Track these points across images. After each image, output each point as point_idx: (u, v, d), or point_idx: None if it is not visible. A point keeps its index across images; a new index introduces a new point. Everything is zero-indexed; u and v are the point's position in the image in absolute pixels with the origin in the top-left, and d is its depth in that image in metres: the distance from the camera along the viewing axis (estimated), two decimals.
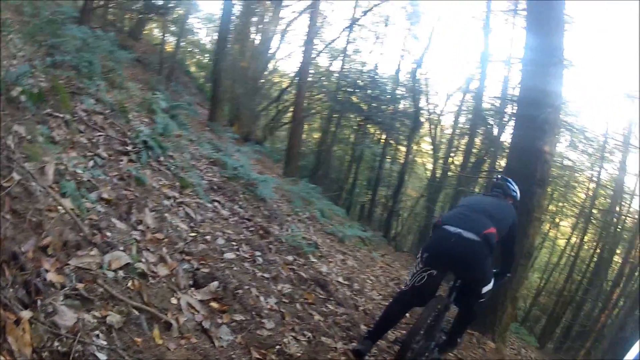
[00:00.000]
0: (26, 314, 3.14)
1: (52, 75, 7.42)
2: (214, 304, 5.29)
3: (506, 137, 23.19)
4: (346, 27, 29.07)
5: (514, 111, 19.83)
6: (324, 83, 31.84)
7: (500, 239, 5.73)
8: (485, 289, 5.77)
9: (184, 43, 32.14)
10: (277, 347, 5.14)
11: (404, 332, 6.95)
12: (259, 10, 26.69)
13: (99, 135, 7.39)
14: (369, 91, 28.67)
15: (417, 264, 5.67)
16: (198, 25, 35.56)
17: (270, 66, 31.05)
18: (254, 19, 26.89)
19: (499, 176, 7.01)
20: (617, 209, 23.69)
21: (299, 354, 5.22)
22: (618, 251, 23.45)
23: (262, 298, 6.01)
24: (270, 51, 29.21)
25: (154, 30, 37.25)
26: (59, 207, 4.54)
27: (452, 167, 28.99)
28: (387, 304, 8.49)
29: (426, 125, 31.22)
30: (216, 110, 19.99)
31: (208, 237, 6.91)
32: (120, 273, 4.51)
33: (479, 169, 25.73)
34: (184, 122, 13.24)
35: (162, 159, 8.54)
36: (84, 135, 7.03)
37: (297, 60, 31.64)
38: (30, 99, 5.93)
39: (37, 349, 3.10)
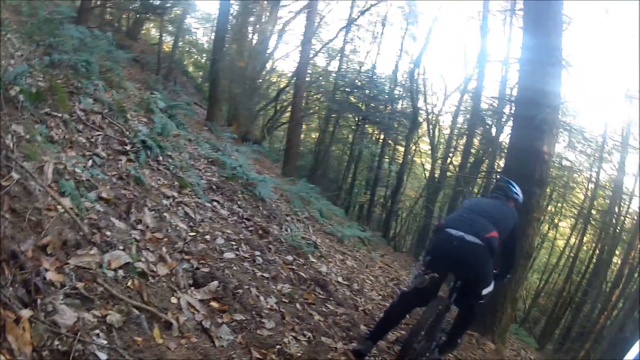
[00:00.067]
0: (26, 313, 3.12)
1: (50, 74, 7.42)
2: (214, 304, 5.28)
3: (504, 138, 23.18)
4: (343, 27, 29.05)
5: (512, 111, 19.82)
6: (322, 83, 31.79)
7: (501, 242, 5.73)
8: (485, 291, 5.82)
9: (181, 43, 32.15)
10: (278, 347, 5.13)
11: (404, 332, 6.97)
12: (257, 10, 26.64)
13: (98, 135, 7.38)
14: (366, 91, 28.63)
15: (419, 266, 5.72)
16: (195, 25, 35.51)
17: (268, 66, 31.01)
18: (252, 18, 26.84)
19: (502, 178, 7.01)
20: (616, 209, 23.67)
21: (299, 354, 5.21)
22: (617, 252, 23.42)
23: (262, 298, 6.01)
24: (268, 51, 29.18)
25: (151, 30, 37.28)
26: (58, 207, 4.53)
27: (451, 167, 28.94)
28: (386, 304, 8.61)
29: (424, 125, 31.22)
30: (214, 110, 19.98)
31: (207, 237, 6.90)
32: (120, 272, 4.51)
33: (478, 169, 25.70)
34: (182, 122, 13.22)
35: (160, 158, 8.53)
36: (82, 134, 7.02)
37: (294, 60, 31.55)
38: (28, 99, 5.92)
39: (37, 347, 3.09)
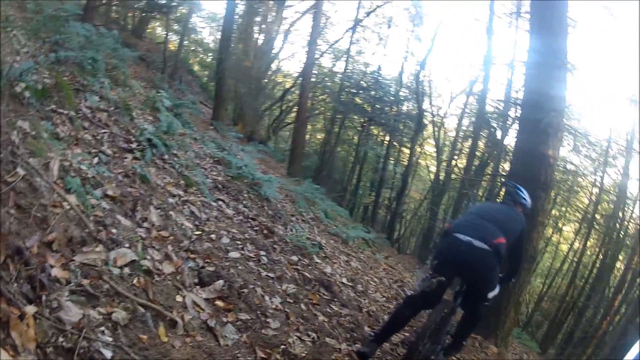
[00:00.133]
0: (30, 309, 3.10)
1: (56, 71, 7.41)
2: (219, 303, 5.27)
3: (510, 141, 23.15)
4: (349, 28, 29.07)
5: (518, 114, 19.80)
6: (328, 84, 31.79)
7: (508, 247, 5.72)
8: (491, 294, 5.85)
9: (187, 42, 32.13)
10: (282, 346, 5.12)
11: (407, 334, 6.96)
12: (262, 10, 26.68)
13: (103, 133, 7.37)
14: (372, 92, 28.63)
15: (426, 270, 5.69)
16: (201, 24, 35.53)
17: (274, 66, 31.03)
18: (258, 18, 26.89)
19: (510, 183, 6.99)
20: (620, 214, 23.62)
21: (303, 354, 5.21)
22: (620, 257, 23.38)
23: (267, 297, 6.00)
24: (274, 51, 29.23)
25: (157, 28, 37.37)
26: (64, 203, 4.51)
27: (456, 170, 28.95)
28: (390, 305, 8.61)
29: (430, 127, 31.18)
30: (220, 110, 19.97)
31: (213, 236, 6.88)
32: (126, 270, 4.50)
33: (483, 172, 25.69)
34: (187, 121, 13.22)
35: (166, 157, 8.53)
36: (88, 132, 7.01)
37: (300, 61, 31.62)
38: (34, 95, 5.90)
39: (41, 344, 3.07)
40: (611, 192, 25.68)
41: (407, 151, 31.08)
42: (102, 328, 3.60)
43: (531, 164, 8.80)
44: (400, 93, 30.18)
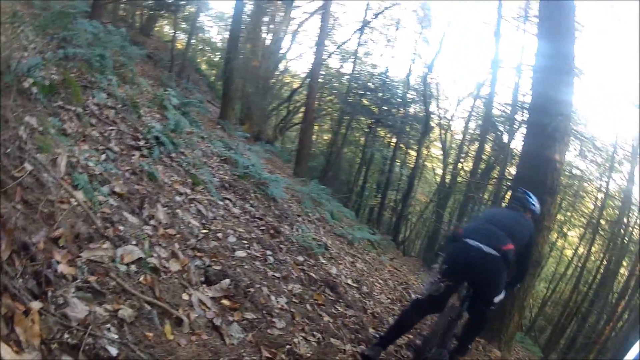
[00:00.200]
0: (36, 305, 3.09)
1: (64, 68, 7.40)
2: (225, 302, 5.26)
3: (516, 144, 23.16)
4: (357, 30, 29.12)
5: (525, 118, 19.79)
6: (335, 85, 31.80)
7: (516, 253, 5.75)
8: (497, 298, 5.91)
9: (194, 41, 32.15)
10: (287, 346, 5.11)
11: (412, 336, 6.95)
12: (271, 10, 26.68)
13: (111, 130, 7.37)
14: (379, 94, 28.69)
15: (434, 274, 5.73)
16: (209, 23, 35.58)
17: (281, 66, 31.03)
18: (266, 18, 26.87)
19: (520, 189, 7.00)
20: (625, 220, 23.55)
21: (308, 355, 5.19)
22: (624, 263, 23.30)
23: (272, 297, 5.99)
24: (282, 51, 29.22)
25: (164, 27, 37.38)
26: (71, 199, 4.50)
27: (462, 173, 28.93)
28: (395, 307, 8.63)
29: (436, 130, 31.15)
30: (227, 109, 19.96)
31: (219, 235, 6.88)
32: (133, 267, 4.48)
33: (489, 175, 25.72)
34: (195, 120, 13.23)
35: (173, 155, 8.53)
36: (95, 128, 7.00)
37: (308, 61, 31.62)
38: (41, 91, 5.90)
39: (46, 340, 3.04)
40: (616, 197, 25.61)
41: (413, 153, 31.13)
42: (108, 325, 3.58)
43: (538, 168, 8.80)
44: (408, 95, 30.25)
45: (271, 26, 27.69)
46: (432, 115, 28.84)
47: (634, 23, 19.46)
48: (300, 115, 28.95)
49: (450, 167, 29.88)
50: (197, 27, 30.14)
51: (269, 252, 7.35)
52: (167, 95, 11.61)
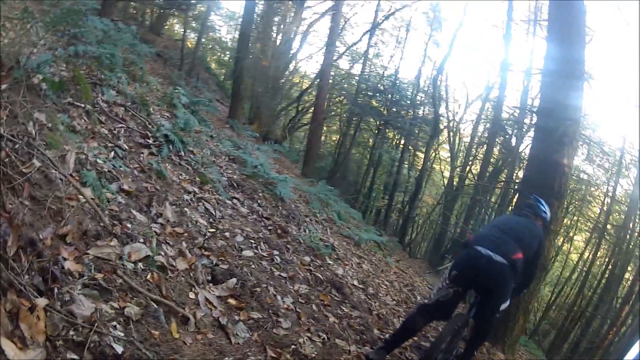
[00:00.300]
0: (41, 302, 3.09)
1: (74, 65, 7.42)
2: (232, 301, 5.28)
3: (524, 148, 23.12)
4: (368, 31, 29.04)
5: (533, 122, 19.74)
6: (345, 86, 31.77)
7: (524, 260, 5.79)
8: (503, 306, 5.89)
9: (205, 40, 32.10)
10: (293, 346, 5.12)
11: (416, 338, 6.95)
12: (281, 10, 26.64)
13: (120, 127, 7.40)
14: (389, 96, 28.66)
15: (443, 280, 5.84)
16: (220, 22, 35.46)
17: (291, 66, 30.99)
18: (276, 18, 26.84)
19: (532, 196, 7.01)
20: (631, 225, 23.48)
21: (313, 355, 5.19)
22: (629, 268, 23.23)
23: (279, 297, 6.01)
24: (292, 51, 29.16)
25: (175, 25, 37.35)
26: (79, 196, 4.51)
27: (470, 175, 28.89)
28: (400, 309, 8.65)
29: (445, 132, 31.12)
30: (236, 108, 19.94)
31: (227, 234, 6.90)
32: (140, 265, 4.51)
33: (496, 178, 25.69)
34: (204, 118, 13.25)
35: (182, 153, 8.56)
36: (104, 126, 7.03)
37: (318, 62, 31.57)
38: (51, 88, 5.92)
39: (51, 337, 3.06)
40: (623, 202, 25.56)
41: (421, 155, 31.08)
42: (114, 323, 3.60)
43: (545, 172, 8.76)
44: (417, 97, 30.23)
45: (282, 26, 27.69)
46: (441, 118, 28.75)
47: (636, 26, 19.37)
48: (309, 115, 28.94)
49: (458, 169, 29.84)
50: (208, 26, 30.09)
51: (276, 252, 7.36)
52: (176, 93, 11.64)
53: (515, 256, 5.54)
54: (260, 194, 9.97)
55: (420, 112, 30.44)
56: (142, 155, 7.16)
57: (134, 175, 6.34)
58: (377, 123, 29.56)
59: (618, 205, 25.87)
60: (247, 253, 6.66)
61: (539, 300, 26.72)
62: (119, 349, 3.35)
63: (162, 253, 5.01)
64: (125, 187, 5.77)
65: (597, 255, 25.77)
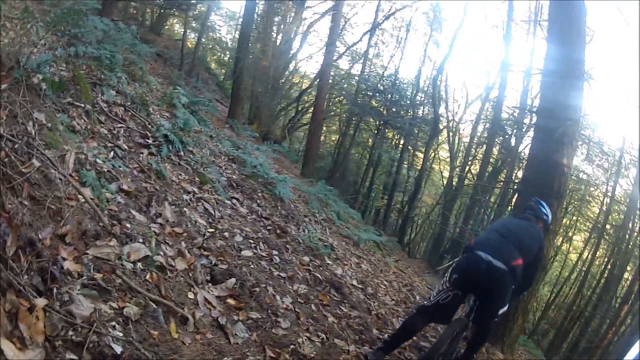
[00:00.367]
0: (41, 302, 3.09)
1: (74, 65, 7.43)
2: (231, 301, 5.29)
3: (524, 148, 23.14)
4: (368, 31, 29.06)
5: (533, 122, 19.75)
6: (344, 86, 31.80)
7: (524, 264, 5.85)
8: (501, 311, 5.93)
9: (205, 40, 32.06)
10: (292, 346, 5.13)
11: (415, 337, 6.95)
12: (282, 10, 26.67)
13: (120, 127, 7.42)
14: (388, 96, 28.69)
15: (444, 283, 5.87)
16: (220, 22, 35.43)
17: (291, 66, 30.99)
18: (277, 18, 26.87)
19: (534, 199, 7.02)
20: (630, 225, 23.49)
21: (312, 355, 5.20)
22: (628, 268, 23.24)
23: (278, 297, 6.02)
24: (292, 51, 29.16)
25: (175, 25, 37.33)
26: (79, 196, 4.51)
27: (469, 175, 28.91)
28: (400, 309, 8.64)
29: (444, 132, 31.14)
30: (236, 108, 19.91)
31: (226, 234, 6.92)
32: (139, 265, 4.52)
33: (496, 178, 25.72)
34: (203, 119, 13.24)
35: (182, 153, 8.58)
36: (104, 126, 7.04)
37: (317, 62, 31.57)
38: (51, 87, 5.92)
39: (50, 337, 3.06)
40: (622, 202, 25.58)
41: (421, 155, 31.12)
42: (113, 323, 3.60)
43: (545, 172, 8.76)
44: (417, 97, 30.27)
45: (282, 26, 27.70)
46: (440, 118, 28.79)
47: (636, 26, 19.40)
48: (309, 115, 28.94)
49: (458, 169, 29.87)
50: (208, 26, 30.05)
51: (275, 252, 7.37)
52: (176, 93, 11.64)
53: (515, 262, 5.58)
54: (260, 194, 9.99)
55: (420, 112, 30.54)
56: (141, 155, 7.17)
57: (134, 175, 6.35)
58: (377, 123, 29.62)
59: (617, 205, 25.90)
60: (246, 253, 6.67)
61: (538, 300, 26.73)
62: (118, 349, 3.36)
63: (161, 253, 5.02)
64: (125, 187, 5.78)
65: (596, 255, 25.83)
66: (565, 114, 8.74)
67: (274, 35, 27.31)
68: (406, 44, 32.42)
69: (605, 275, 23.71)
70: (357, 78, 31.21)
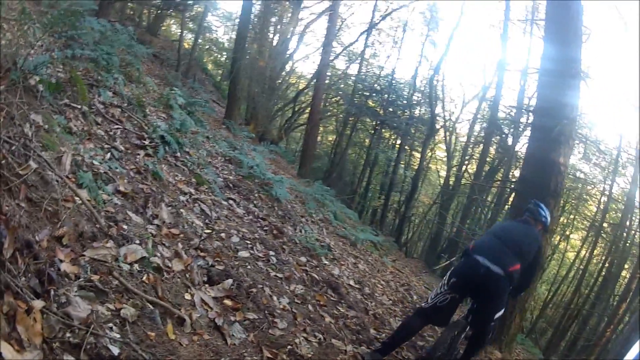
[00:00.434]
0: (38, 304, 3.10)
1: (71, 66, 7.42)
2: (228, 302, 5.28)
3: (520, 147, 23.19)
4: (364, 31, 29.07)
5: (530, 121, 19.77)
6: (341, 86, 31.79)
7: (522, 268, 5.88)
8: (497, 315, 6.00)
9: (201, 40, 32.03)
10: (289, 347, 5.12)
11: (413, 337, 6.97)
12: (278, 10, 26.66)
13: (116, 128, 7.41)
14: (385, 96, 28.70)
15: (442, 286, 5.93)
16: (216, 23, 35.37)
17: (288, 67, 31.01)
18: (273, 19, 26.86)
19: (533, 201, 7.01)
20: (627, 223, 23.52)
21: (309, 355, 5.20)
22: (626, 266, 23.27)
23: (275, 298, 6.02)
24: (288, 52, 29.18)
25: (172, 26, 37.26)
26: (76, 198, 4.52)
27: (466, 175, 28.94)
28: (397, 309, 8.66)
29: (441, 132, 31.17)
30: (233, 109, 19.89)
31: (223, 235, 6.91)
32: (136, 266, 4.52)
33: (493, 178, 25.75)
34: (200, 119, 13.23)
35: (178, 154, 8.58)
36: (101, 127, 7.04)
37: (314, 62, 31.64)
38: (47, 89, 5.93)
39: (47, 339, 3.06)
40: (619, 201, 25.61)
41: (418, 155, 31.10)
42: (110, 324, 3.60)
43: (542, 171, 8.78)
44: (414, 97, 30.27)
45: (279, 27, 27.69)
46: (437, 118, 28.84)
47: (635, 25, 19.41)
48: (306, 116, 28.98)
49: (455, 169, 29.91)
50: (205, 27, 30.01)
51: (272, 253, 7.37)
52: (173, 94, 11.63)
53: (513, 268, 5.63)
54: (257, 195, 9.98)
55: (417, 111, 30.55)
56: (138, 156, 7.17)
57: (130, 177, 6.35)
58: (374, 123, 29.64)
59: (615, 204, 25.92)
60: (243, 254, 6.66)
61: (536, 299, 26.75)
62: (115, 351, 3.36)
63: (158, 254, 5.01)
64: (121, 188, 5.78)
65: (594, 254, 25.85)
66: (562, 113, 8.76)
67: (271, 35, 27.31)
68: (403, 44, 32.63)
69: (603, 273, 23.76)
70: (353, 78, 31.23)
